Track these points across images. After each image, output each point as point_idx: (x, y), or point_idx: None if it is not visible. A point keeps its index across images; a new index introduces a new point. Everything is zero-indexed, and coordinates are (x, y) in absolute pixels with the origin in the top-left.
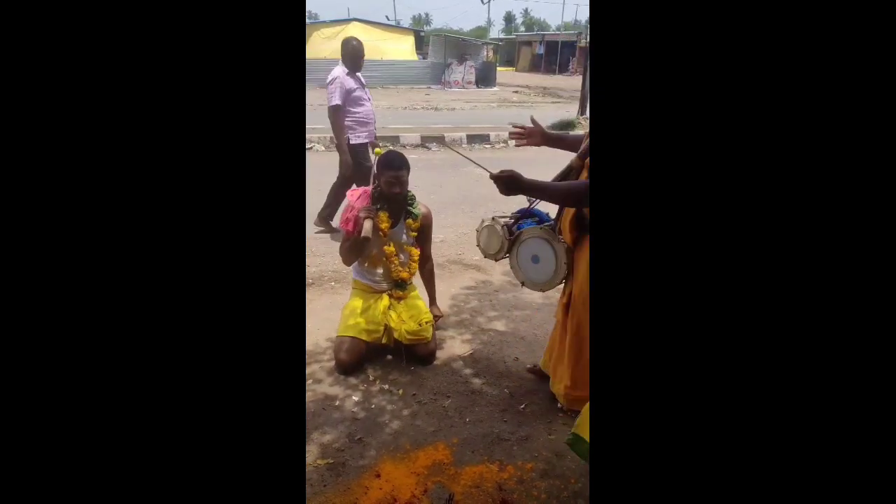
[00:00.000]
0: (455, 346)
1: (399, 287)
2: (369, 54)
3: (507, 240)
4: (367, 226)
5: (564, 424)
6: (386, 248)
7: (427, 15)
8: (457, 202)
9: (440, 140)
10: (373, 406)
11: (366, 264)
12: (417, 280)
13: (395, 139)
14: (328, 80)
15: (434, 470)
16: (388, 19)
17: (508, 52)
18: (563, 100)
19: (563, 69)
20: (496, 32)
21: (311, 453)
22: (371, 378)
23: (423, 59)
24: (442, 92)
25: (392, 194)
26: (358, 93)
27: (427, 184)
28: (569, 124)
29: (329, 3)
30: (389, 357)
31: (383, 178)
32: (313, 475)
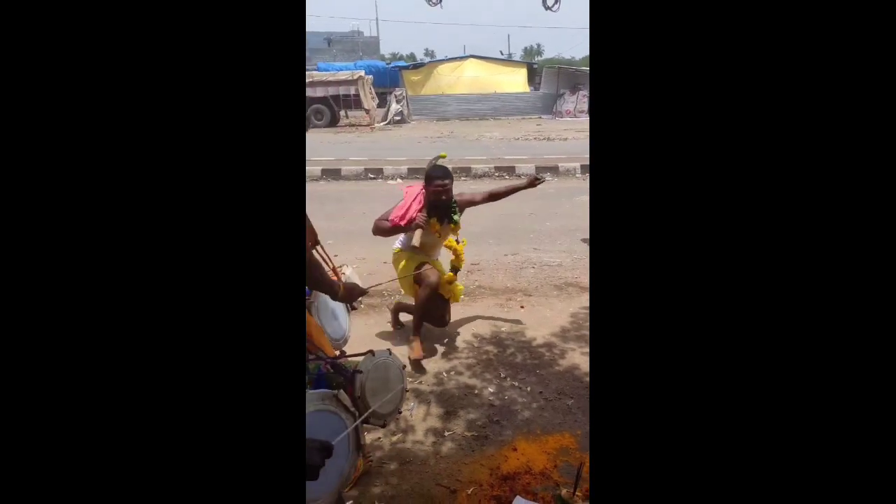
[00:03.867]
0: (576, 356)
1: (453, 270)
2: (484, 88)
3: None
4: (418, 234)
5: None
6: (447, 244)
7: (538, 46)
8: (570, 229)
9: (554, 170)
10: (506, 397)
11: (418, 249)
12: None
13: (510, 169)
14: None
15: (562, 452)
16: (502, 54)
17: None
18: None
19: None
20: None
21: (460, 426)
22: (502, 375)
23: (535, 90)
24: (553, 122)
25: (439, 202)
26: None
27: (543, 211)
28: None
29: (446, 42)
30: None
31: (431, 188)
32: (462, 443)
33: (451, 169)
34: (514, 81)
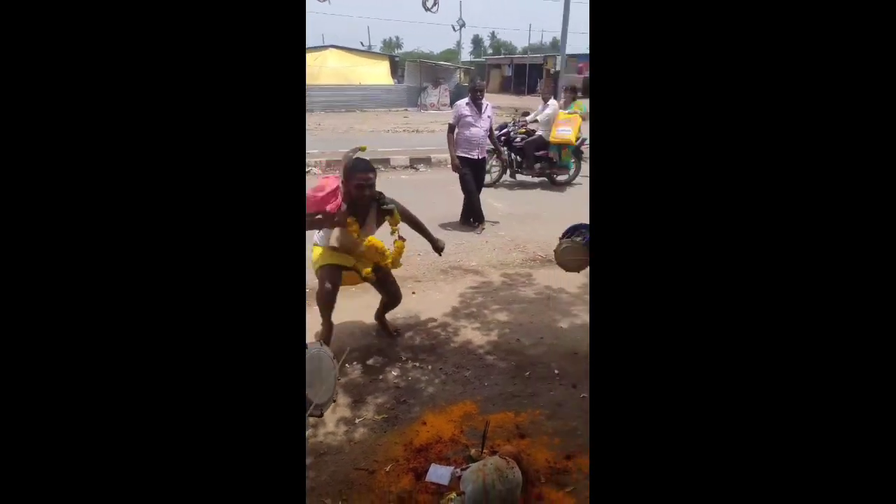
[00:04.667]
0: (468, 332)
1: (375, 271)
2: (347, 79)
3: (588, 253)
4: (335, 233)
5: (561, 385)
6: (370, 243)
7: (398, 38)
8: (449, 216)
9: (427, 161)
10: (410, 378)
11: (337, 248)
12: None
13: (385, 161)
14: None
15: (466, 418)
16: (363, 45)
17: (479, 75)
18: None
19: (531, 90)
20: (466, 55)
21: (369, 411)
22: (403, 358)
23: (399, 83)
24: (419, 114)
25: (362, 197)
26: (469, 119)
27: (420, 202)
28: None
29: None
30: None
31: (353, 182)
32: (374, 426)
33: (325, 163)
34: (377, 73)
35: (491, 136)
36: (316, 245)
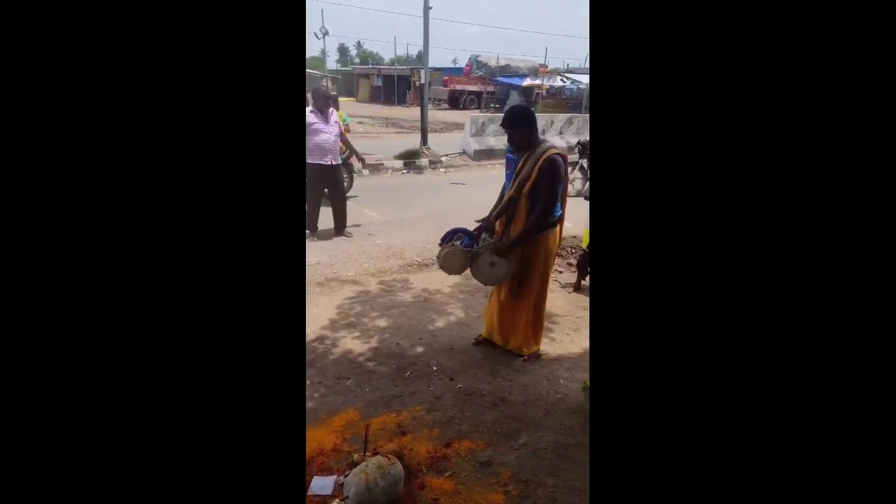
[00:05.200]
0: (347, 342)
1: None
2: None
3: (468, 256)
4: None
5: (439, 380)
6: None
7: None
8: (321, 224)
9: None
10: None
11: None
12: None
13: None
14: None
15: (348, 426)
16: None
17: (347, 84)
18: (405, 130)
19: (401, 100)
20: (332, 63)
21: None
22: None
23: None
24: None
25: None
26: (317, 126)
27: None
28: (414, 153)
29: None
30: None
31: None
32: None
33: None
34: None
35: (344, 139)
36: None
